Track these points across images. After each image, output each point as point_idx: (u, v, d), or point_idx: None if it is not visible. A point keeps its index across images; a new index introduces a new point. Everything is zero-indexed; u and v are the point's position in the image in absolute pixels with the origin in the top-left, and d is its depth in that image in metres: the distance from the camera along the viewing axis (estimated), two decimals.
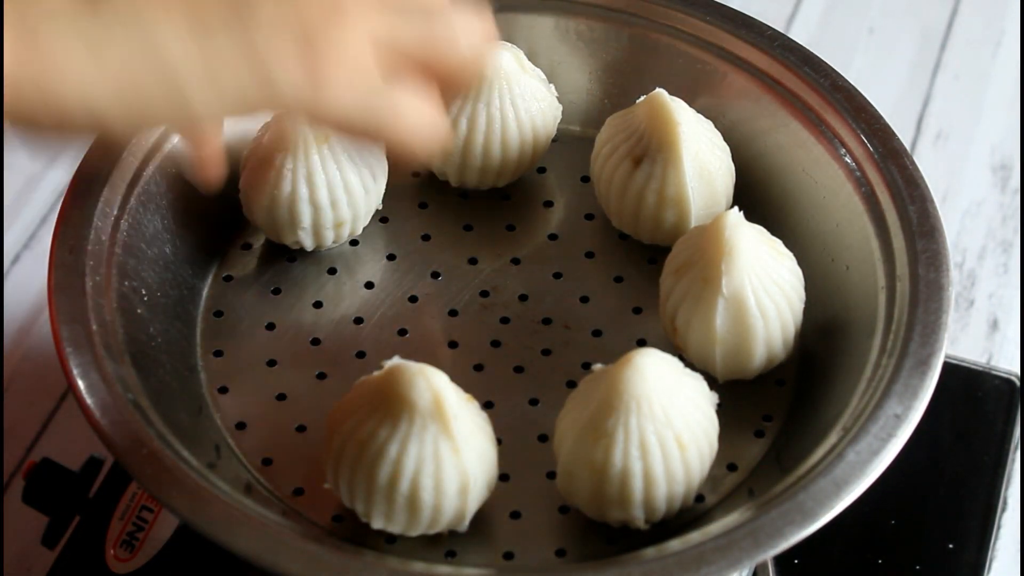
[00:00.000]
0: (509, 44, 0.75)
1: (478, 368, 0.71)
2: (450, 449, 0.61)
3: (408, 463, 0.61)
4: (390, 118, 0.61)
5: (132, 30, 0.55)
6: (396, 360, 0.62)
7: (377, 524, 0.63)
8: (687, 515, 0.65)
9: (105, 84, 0.55)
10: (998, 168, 1.06)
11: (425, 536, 0.64)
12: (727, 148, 0.74)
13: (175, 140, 0.73)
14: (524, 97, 0.74)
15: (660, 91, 0.72)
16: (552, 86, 0.77)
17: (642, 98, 0.73)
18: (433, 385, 0.61)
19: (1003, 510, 0.84)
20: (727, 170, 0.74)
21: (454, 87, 0.65)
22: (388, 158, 0.73)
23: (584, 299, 0.73)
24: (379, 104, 0.61)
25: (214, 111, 0.57)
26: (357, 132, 0.63)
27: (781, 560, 0.77)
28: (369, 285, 0.73)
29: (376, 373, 0.63)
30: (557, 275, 0.74)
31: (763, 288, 0.67)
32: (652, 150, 0.72)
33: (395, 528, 0.63)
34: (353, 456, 0.62)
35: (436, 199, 0.77)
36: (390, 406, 0.61)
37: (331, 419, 0.63)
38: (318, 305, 0.73)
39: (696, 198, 0.72)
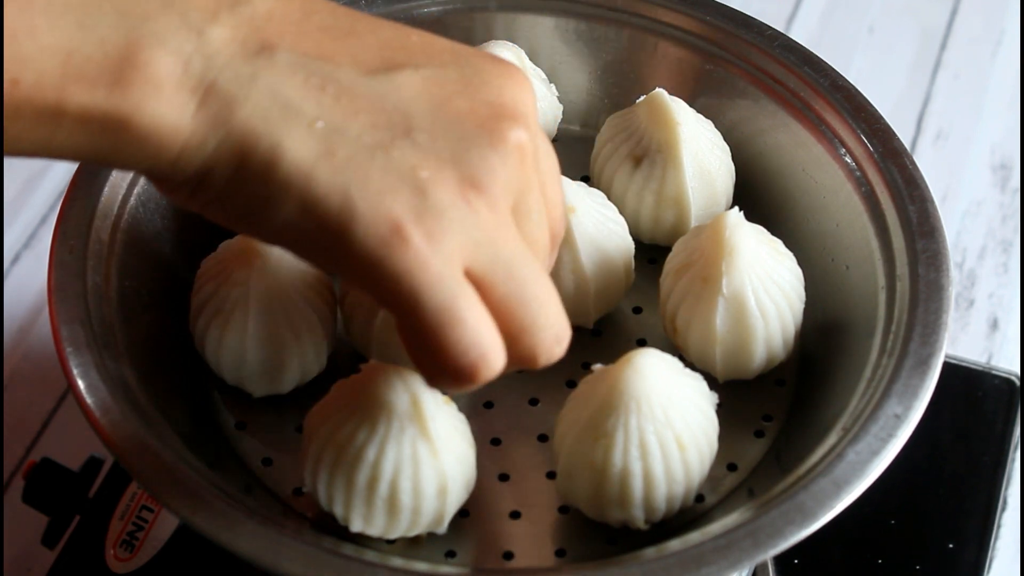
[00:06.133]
0: (510, 44, 0.75)
1: None
2: (428, 451, 0.61)
3: (387, 465, 0.61)
4: (542, 296, 0.56)
5: None
6: (373, 362, 0.62)
7: (356, 527, 0.63)
8: (687, 515, 0.65)
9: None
10: (998, 168, 1.06)
11: (421, 536, 0.64)
12: (727, 148, 0.74)
13: None
14: None
15: (660, 91, 0.72)
16: (552, 86, 0.77)
17: (642, 98, 0.73)
18: (411, 387, 0.61)
19: (1003, 510, 0.84)
20: (727, 170, 0.74)
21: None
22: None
23: None
24: (535, 279, 0.56)
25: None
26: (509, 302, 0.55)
27: (781, 560, 0.77)
28: None
29: (353, 375, 0.63)
30: None
31: (763, 288, 0.67)
32: (652, 150, 0.72)
33: (374, 531, 0.63)
34: (331, 459, 0.62)
35: None
36: (368, 408, 0.61)
37: (308, 422, 0.63)
38: None
39: (696, 198, 0.72)
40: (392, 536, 0.63)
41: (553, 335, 0.56)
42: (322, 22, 0.56)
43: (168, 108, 0.53)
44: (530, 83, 0.58)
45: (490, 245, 0.54)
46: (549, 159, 0.59)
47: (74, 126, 0.53)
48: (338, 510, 0.63)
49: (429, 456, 0.61)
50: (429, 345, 0.54)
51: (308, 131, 0.53)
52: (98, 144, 0.53)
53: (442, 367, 0.54)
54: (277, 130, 0.53)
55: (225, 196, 0.54)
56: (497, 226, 0.55)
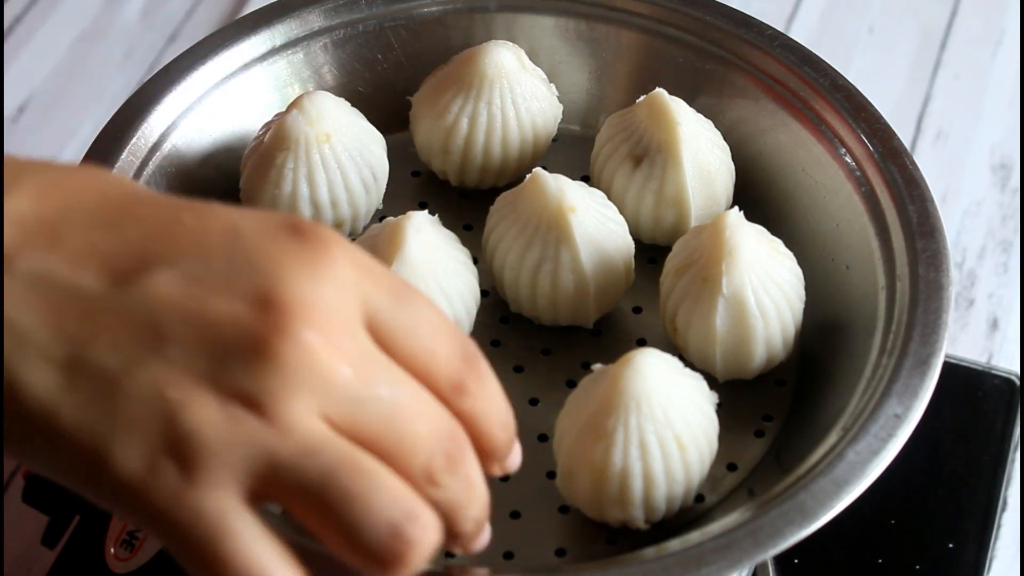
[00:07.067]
0: (510, 43, 0.75)
1: None
2: None
3: None
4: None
5: None
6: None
7: None
8: (687, 515, 0.65)
9: None
10: (998, 168, 1.05)
11: None
12: (727, 148, 0.74)
13: (175, 140, 0.73)
14: (525, 96, 0.74)
15: (660, 91, 0.72)
16: (552, 86, 0.77)
17: (642, 98, 0.73)
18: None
19: (1003, 510, 0.84)
20: (727, 170, 0.74)
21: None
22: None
23: None
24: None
25: None
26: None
27: (781, 560, 0.77)
28: None
29: None
30: None
31: (763, 288, 0.67)
32: (652, 150, 0.72)
33: None
34: None
35: (436, 198, 0.77)
36: None
37: None
38: None
39: (696, 198, 0.72)
40: None
41: (386, 536, 0.49)
42: (83, 219, 0.50)
43: None
44: (337, 256, 0.50)
45: (269, 460, 0.48)
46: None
47: None
48: None
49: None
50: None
51: (45, 363, 0.48)
52: None
53: None
54: (12, 365, 0.48)
55: None
56: (277, 440, 0.48)
